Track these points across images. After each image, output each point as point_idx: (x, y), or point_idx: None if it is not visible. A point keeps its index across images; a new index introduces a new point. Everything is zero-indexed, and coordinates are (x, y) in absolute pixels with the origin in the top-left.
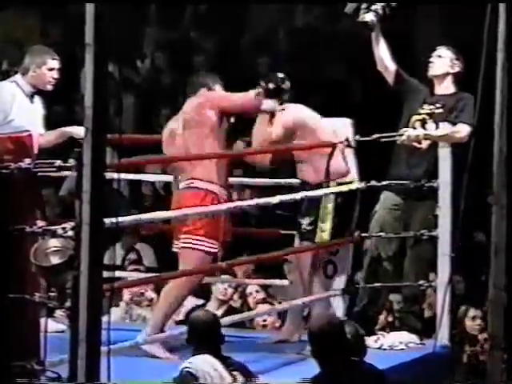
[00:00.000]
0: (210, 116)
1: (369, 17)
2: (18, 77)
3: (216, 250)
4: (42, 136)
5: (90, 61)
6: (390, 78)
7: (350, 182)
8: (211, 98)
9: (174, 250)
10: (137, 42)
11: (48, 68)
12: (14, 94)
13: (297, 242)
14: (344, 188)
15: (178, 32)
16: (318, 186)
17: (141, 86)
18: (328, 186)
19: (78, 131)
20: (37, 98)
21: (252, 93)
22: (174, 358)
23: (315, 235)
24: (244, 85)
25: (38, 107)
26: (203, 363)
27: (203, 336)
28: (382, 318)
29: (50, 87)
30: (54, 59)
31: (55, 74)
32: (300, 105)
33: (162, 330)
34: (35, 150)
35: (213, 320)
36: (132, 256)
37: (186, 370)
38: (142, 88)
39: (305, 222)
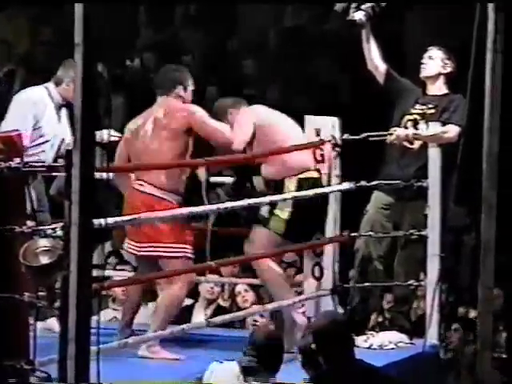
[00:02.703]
0: (184, 130)
1: (358, 15)
2: (50, 85)
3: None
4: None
5: (79, 61)
6: (381, 78)
7: (316, 178)
8: (193, 121)
9: (134, 252)
10: (126, 42)
11: None
12: (46, 102)
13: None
14: (335, 188)
15: (167, 32)
16: (282, 181)
17: (130, 85)
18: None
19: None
20: (63, 110)
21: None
22: (181, 358)
23: (270, 222)
24: (232, 85)
25: (63, 119)
26: (222, 370)
27: (260, 351)
28: (372, 317)
29: None
30: None
31: None
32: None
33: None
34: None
35: (274, 340)
36: (113, 260)
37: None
38: (131, 88)
39: (264, 209)
